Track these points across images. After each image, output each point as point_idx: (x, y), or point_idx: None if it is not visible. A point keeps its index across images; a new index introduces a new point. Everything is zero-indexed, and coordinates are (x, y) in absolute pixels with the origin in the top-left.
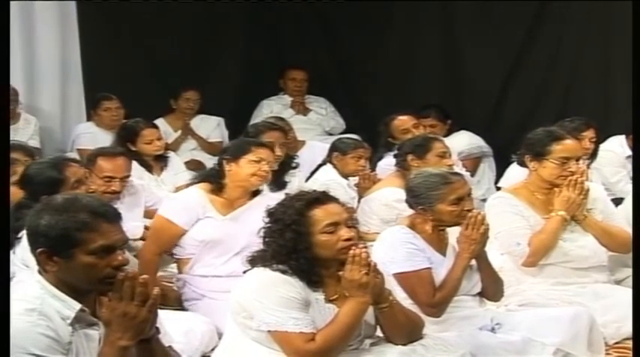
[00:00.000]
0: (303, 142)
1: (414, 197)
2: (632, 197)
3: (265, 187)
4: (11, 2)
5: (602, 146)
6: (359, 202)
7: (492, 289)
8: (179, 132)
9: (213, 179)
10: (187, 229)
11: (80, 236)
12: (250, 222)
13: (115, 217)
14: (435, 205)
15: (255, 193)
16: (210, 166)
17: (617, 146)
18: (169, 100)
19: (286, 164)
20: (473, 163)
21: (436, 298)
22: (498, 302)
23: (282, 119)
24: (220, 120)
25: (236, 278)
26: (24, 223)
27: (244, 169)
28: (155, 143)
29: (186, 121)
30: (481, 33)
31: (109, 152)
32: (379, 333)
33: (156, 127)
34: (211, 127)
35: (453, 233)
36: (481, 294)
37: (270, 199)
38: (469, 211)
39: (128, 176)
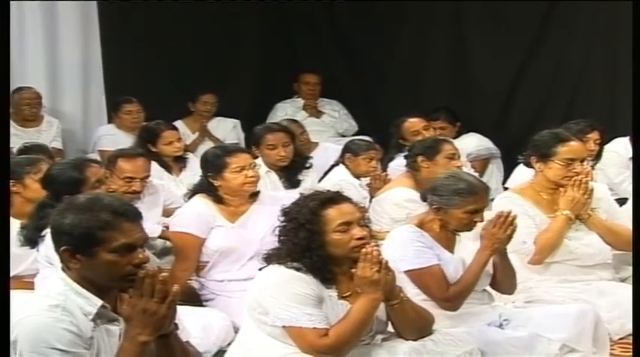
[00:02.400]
0: (316, 144)
1: (436, 195)
2: (632, 197)
3: (280, 185)
4: (35, 8)
5: (607, 148)
6: (370, 201)
7: (508, 283)
8: (197, 134)
9: (210, 193)
10: (205, 237)
11: (102, 235)
12: (257, 228)
13: (136, 216)
14: (451, 209)
15: (255, 193)
16: (199, 180)
17: (621, 148)
18: (187, 103)
19: (299, 164)
20: (481, 164)
21: (450, 293)
22: (506, 299)
23: (295, 121)
24: (236, 122)
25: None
26: (47, 222)
27: (232, 181)
28: (175, 144)
29: (203, 124)
30: (489, 37)
31: (128, 153)
32: (390, 329)
33: (176, 128)
34: (228, 129)
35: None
36: (495, 287)
37: (271, 199)
38: (478, 222)
39: (148, 176)
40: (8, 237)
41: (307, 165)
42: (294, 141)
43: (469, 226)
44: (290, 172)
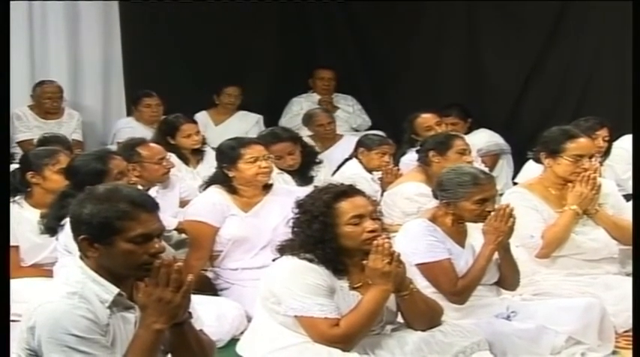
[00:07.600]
0: (340, 136)
1: (443, 190)
2: (633, 196)
3: (294, 183)
4: (57, 5)
5: (615, 144)
6: (382, 195)
7: (511, 279)
8: (221, 125)
9: (224, 183)
10: (219, 226)
11: (120, 225)
12: (269, 218)
13: (153, 207)
14: (460, 202)
15: (268, 185)
16: (214, 172)
17: (629, 144)
18: (206, 96)
19: (309, 161)
20: (492, 159)
21: (458, 287)
22: (514, 292)
23: (326, 111)
24: (259, 117)
25: (266, 270)
26: (67, 212)
27: (245, 172)
28: (193, 137)
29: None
30: (502, 36)
31: (142, 140)
32: (400, 319)
33: (195, 122)
34: (251, 123)
35: (472, 226)
36: (499, 283)
37: (284, 191)
38: (490, 212)
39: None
40: (8, 235)
41: (317, 160)
42: (299, 143)
43: (482, 216)
44: (301, 171)
